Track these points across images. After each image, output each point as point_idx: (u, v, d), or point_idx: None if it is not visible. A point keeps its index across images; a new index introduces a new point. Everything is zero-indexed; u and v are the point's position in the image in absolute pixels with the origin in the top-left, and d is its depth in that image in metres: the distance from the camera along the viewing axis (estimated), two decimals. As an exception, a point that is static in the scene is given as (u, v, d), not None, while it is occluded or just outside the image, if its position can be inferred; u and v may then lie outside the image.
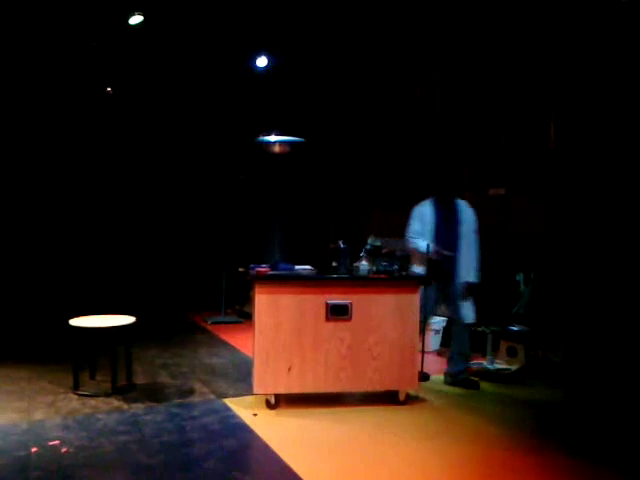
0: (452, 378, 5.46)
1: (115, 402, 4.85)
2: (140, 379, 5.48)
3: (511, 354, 5.88)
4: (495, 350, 5.93)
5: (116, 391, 5.04)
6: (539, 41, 6.25)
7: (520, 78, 6.51)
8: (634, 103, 5.48)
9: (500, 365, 5.85)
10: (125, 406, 4.77)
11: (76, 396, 4.96)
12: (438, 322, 6.77)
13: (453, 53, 7.24)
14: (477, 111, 7.05)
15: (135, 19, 7.31)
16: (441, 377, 5.64)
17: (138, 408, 4.73)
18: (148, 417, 4.53)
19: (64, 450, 3.88)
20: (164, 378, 5.60)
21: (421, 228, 5.45)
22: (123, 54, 8.12)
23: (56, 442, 3.99)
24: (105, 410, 4.66)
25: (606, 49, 5.64)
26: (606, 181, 5.61)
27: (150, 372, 5.75)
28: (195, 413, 4.63)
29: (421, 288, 5.13)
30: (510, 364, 5.83)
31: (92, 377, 5.37)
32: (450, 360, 5.54)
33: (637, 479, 3.70)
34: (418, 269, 5.36)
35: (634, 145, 5.46)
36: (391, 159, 8.40)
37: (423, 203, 5.57)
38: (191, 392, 5.16)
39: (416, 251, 5.37)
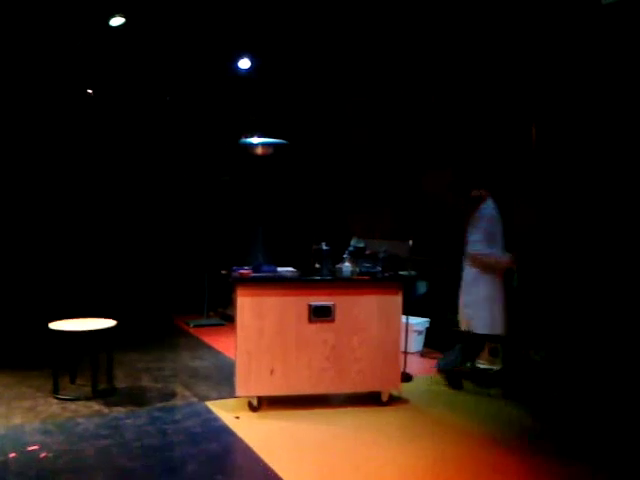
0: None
1: (96, 406, 4.80)
2: (121, 383, 5.43)
3: (494, 354, 5.90)
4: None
5: (97, 395, 4.99)
6: (520, 51, 6.31)
7: (503, 85, 6.56)
8: (610, 109, 5.55)
9: (483, 365, 5.87)
10: (106, 410, 4.72)
11: (56, 400, 4.90)
12: (421, 323, 6.79)
13: (441, 59, 7.27)
14: (462, 116, 7.09)
15: (116, 21, 7.26)
16: (424, 378, 5.67)
17: (119, 412, 4.68)
18: (129, 421, 4.49)
19: (43, 455, 3.83)
20: (146, 382, 5.55)
21: (493, 232, 5.27)
22: (104, 56, 8.06)
23: (35, 447, 3.94)
24: (85, 414, 4.61)
25: (585, 59, 5.71)
26: (585, 184, 5.66)
27: (132, 376, 5.70)
28: (177, 416, 4.60)
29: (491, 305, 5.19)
30: (493, 364, 5.84)
31: (72, 381, 5.31)
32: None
33: (620, 477, 3.72)
34: (488, 278, 5.26)
35: (611, 149, 5.53)
36: (374, 161, 8.42)
37: (489, 204, 5.34)
38: (173, 395, 5.12)
39: (496, 260, 5.22)
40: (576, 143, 5.85)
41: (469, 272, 5.38)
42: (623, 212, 5.33)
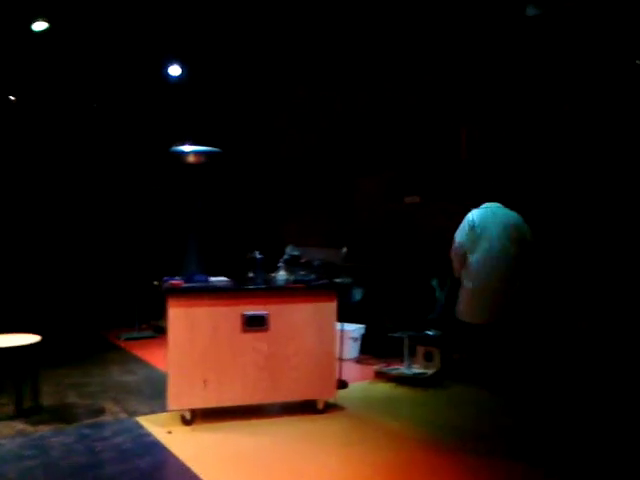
0: None
1: (19, 425, 4.57)
2: (47, 400, 5.18)
3: (428, 358, 5.97)
4: (412, 355, 6.01)
5: (20, 414, 4.75)
6: (449, 58, 6.47)
7: (434, 93, 6.71)
8: (538, 114, 5.75)
9: (417, 369, 5.93)
10: (30, 429, 4.50)
11: (-25, 421, 4.65)
12: (357, 329, 6.81)
13: (373, 66, 7.37)
14: (393, 123, 7.20)
15: (40, 25, 7.01)
16: (360, 384, 5.68)
17: (45, 430, 4.47)
18: (56, 439, 4.29)
19: (-40, 480, 3.62)
20: (73, 398, 5.33)
21: None
22: (28, 61, 7.77)
23: (-49, 472, 3.72)
24: (7, 434, 4.38)
25: (511, 66, 5.91)
26: (513, 189, 5.83)
27: (58, 393, 5.46)
28: (106, 433, 4.43)
29: None
30: (427, 368, 5.92)
31: (-7, 400, 5.05)
32: None
33: (555, 474, 3.81)
34: None
35: (541, 153, 5.73)
36: (307, 168, 8.43)
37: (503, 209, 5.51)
38: (102, 412, 4.94)
39: None
40: (505, 147, 6.04)
41: (510, 265, 5.36)
42: (555, 215, 5.53)
